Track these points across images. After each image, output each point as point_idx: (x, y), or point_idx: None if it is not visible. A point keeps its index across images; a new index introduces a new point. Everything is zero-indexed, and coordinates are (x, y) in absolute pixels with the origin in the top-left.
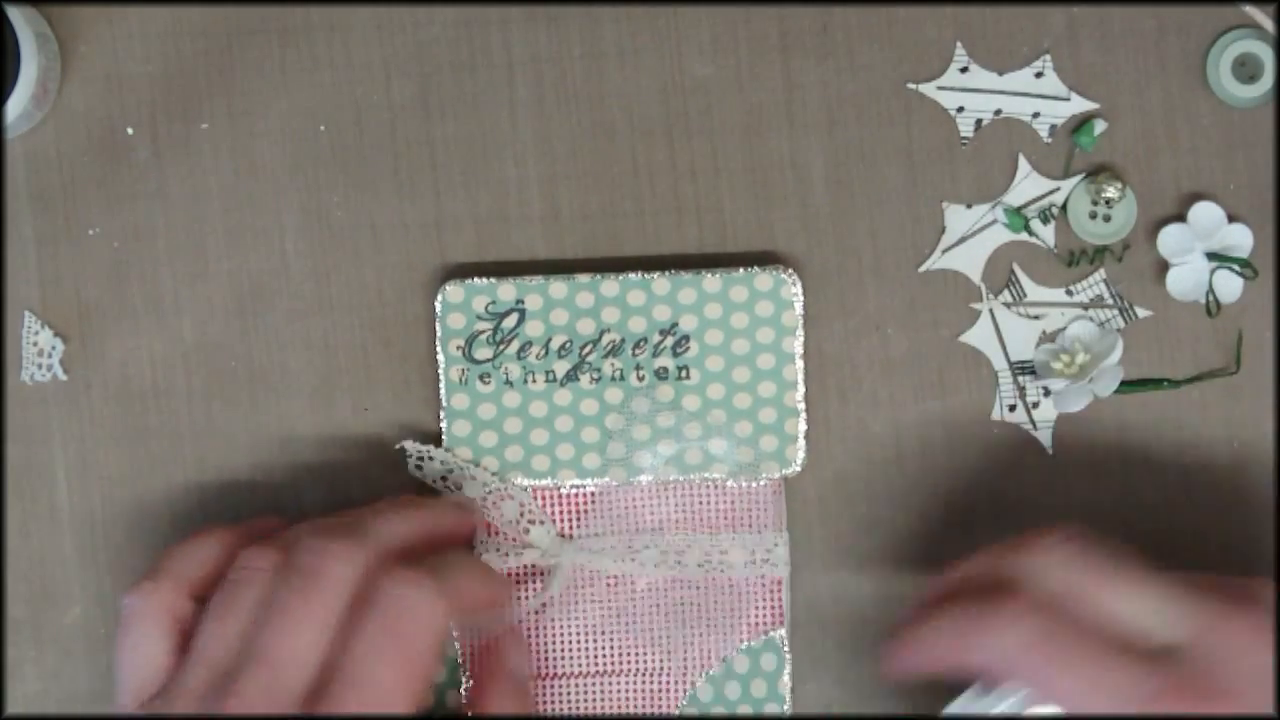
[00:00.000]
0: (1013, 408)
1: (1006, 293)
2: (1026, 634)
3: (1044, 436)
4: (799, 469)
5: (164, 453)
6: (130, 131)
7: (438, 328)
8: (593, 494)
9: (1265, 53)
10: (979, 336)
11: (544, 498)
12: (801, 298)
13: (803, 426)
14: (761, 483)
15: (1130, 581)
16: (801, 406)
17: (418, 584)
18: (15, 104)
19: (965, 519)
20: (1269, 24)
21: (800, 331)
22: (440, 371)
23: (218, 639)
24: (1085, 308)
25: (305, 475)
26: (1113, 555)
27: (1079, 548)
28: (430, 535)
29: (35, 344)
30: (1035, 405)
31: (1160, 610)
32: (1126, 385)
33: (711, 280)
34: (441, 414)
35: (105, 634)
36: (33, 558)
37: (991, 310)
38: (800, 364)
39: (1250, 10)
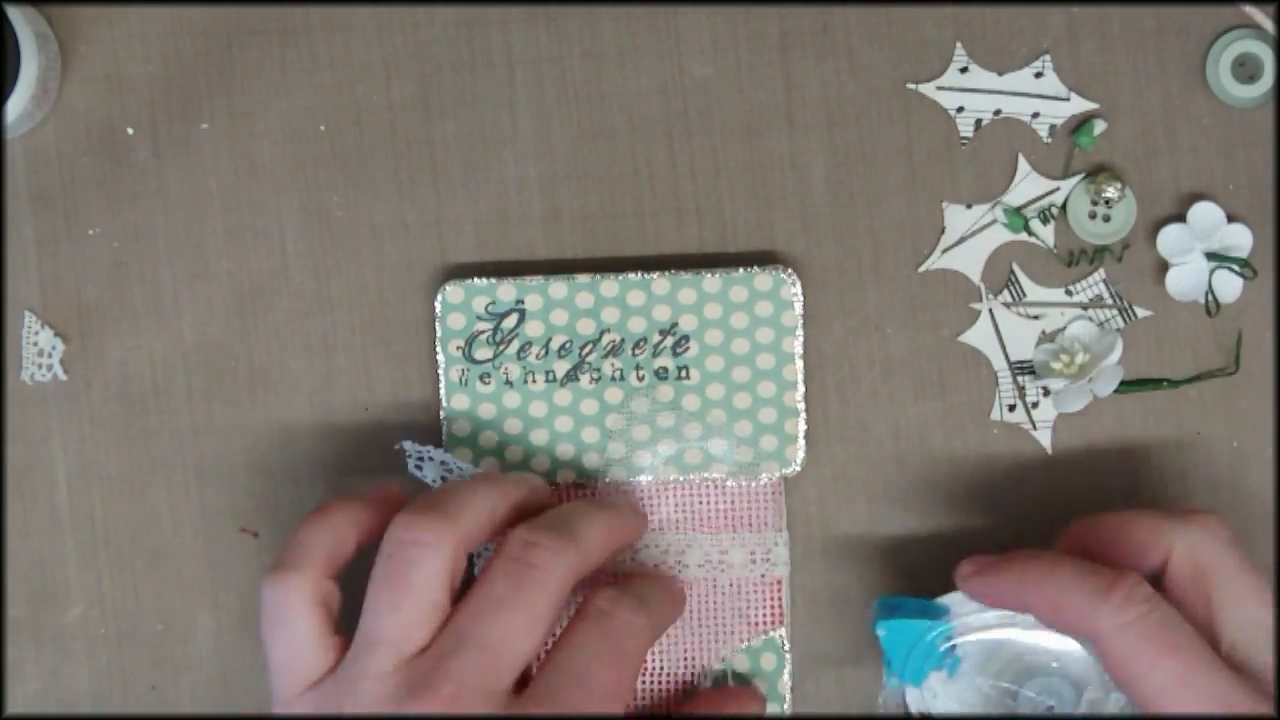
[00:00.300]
0: (1012, 408)
1: (1006, 293)
2: (1128, 619)
3: (1043, 436)
4: (799, 469)
5: (164, 453)
6: (130, 131)
7: (437, 328)
8: (593, 494)
9: (1265, 53)
10: (978, 336)
11: None
12: (801, 298)
13: (803, 426)
14: (761, 483)
15: (1248, 596)
16: (801, 406)
17: (635, 611)
18: (15, 104)
19: (965, 519)
20: (1269, 24)
21: (800, 332)
22: (440, 372)
23: (396, 622)
24: (1085, 308)
25: (305, 475)
26: (1244, 560)
27: (1220, 542)
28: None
29: (35, 344)
30: (1035, 405)
31: (1263, 639)
32: (1126, 385)
33: (711, 280)
34: (442, 414)
35: (105, 634)
36: (33, 558)
37: (991, 310)
38: (800, 364)
39: (1250, 10)
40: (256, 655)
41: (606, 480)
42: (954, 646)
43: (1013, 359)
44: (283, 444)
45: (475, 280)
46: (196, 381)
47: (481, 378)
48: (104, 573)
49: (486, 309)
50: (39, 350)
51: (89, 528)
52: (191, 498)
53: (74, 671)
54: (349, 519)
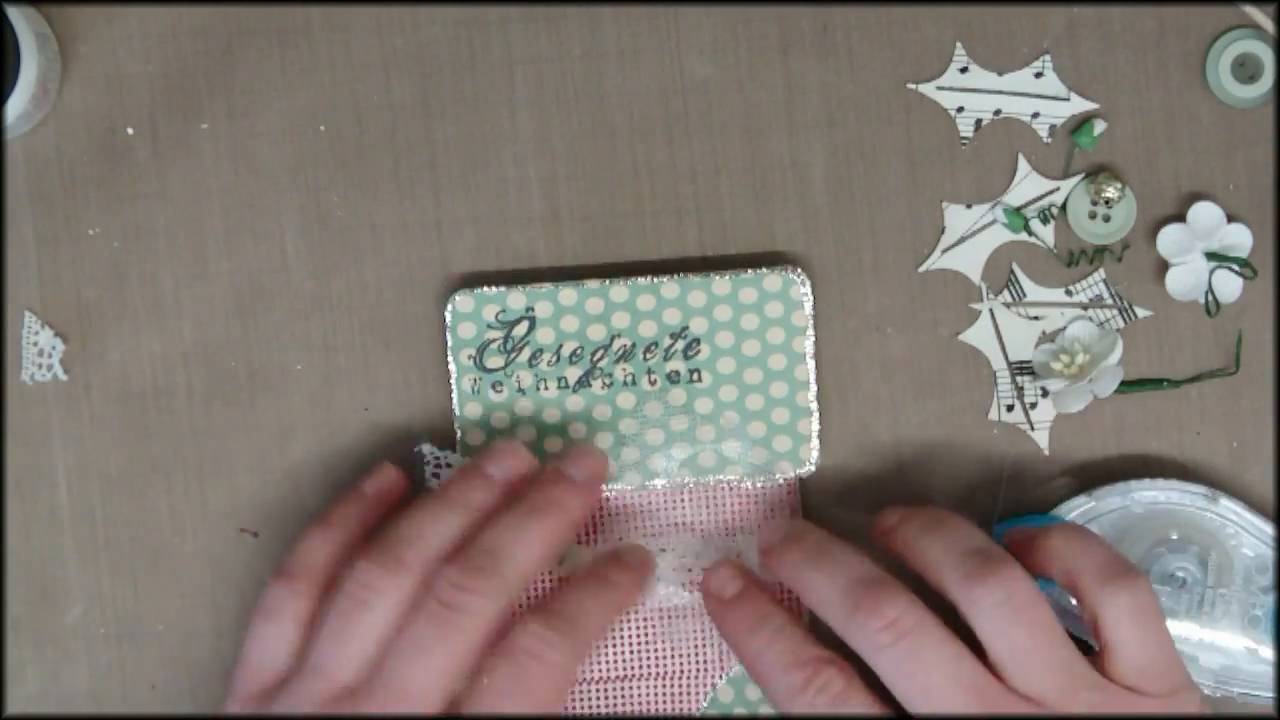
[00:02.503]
0: (1010, 408)
1: (1006, 293)
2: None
3: (1041, 437)
4: (813, 468)
5: (164, 453)
6: (130, 131)
7: (448, 337)
8: (608, 500)
9: (1265, 53)
10: (978, 336)
11: None
12: (811, 298)
13: (816, 426)
14: (777, 483)
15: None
16: (814, 406)
17: (551, 643)
18: (15, 104)
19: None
20: (1269, 24)
21: (811, 331)
22: (452, 381)
23: (340, 658)
24: (1085, 308)
25: (305, 475)
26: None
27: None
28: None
29: (35, 344)
30: (1033, 405)
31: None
32: (1126, 385)
33: (720, 282)
34: (455, 423)
35: (105, 634)
36: (33, 558)
37: (991, 310)
38: (812, 364)
39: (1250, 10)
40: None
41: (617, 486)
42: None
43: (1012, 359)
44: (283, 444)
45: (485, 289)
46: (196, 381)
47: (494, 386)
48: (104, 573)
49: (497, 317)
50: (39, 350)
51: (89, 528)
52: (191, 498)
53: (74, 671)
54: (346, 534)
